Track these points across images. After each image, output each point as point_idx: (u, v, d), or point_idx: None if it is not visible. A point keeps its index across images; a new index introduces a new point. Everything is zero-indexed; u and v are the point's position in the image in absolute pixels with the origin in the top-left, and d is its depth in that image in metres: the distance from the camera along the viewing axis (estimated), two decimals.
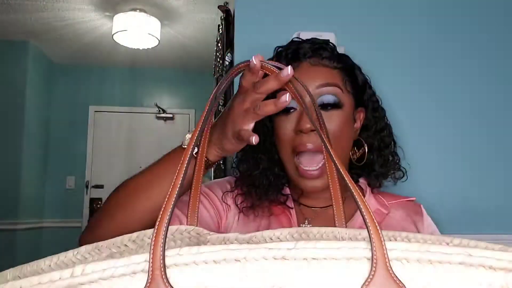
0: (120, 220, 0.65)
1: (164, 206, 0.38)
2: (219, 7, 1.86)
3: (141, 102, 4.43)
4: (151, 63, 4.28)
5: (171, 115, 4.39)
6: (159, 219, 0.37)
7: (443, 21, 1.26)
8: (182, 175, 0.41)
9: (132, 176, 0.69)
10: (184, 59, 4.08)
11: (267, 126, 0.82)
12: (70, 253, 0.45)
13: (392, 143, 0.85)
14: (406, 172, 0.85)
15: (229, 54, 1.63)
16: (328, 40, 0.83)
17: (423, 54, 1.25)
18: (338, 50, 1.21)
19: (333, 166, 0.44)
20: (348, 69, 0.80)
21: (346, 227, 0.56)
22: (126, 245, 0.49)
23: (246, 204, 0.80)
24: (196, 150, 0.55)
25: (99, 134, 4.30)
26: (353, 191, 0.38)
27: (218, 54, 2.01)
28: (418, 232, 0.78)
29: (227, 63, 1.64)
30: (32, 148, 3.80)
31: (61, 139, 4.18)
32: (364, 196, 0.79)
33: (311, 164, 0.72)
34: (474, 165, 1.22)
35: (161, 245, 0.35)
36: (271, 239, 0.53)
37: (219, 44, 1.99)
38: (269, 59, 0.80)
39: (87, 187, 4.18)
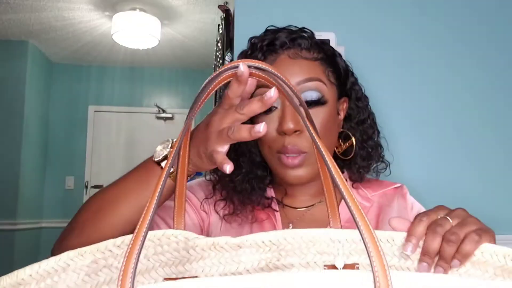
0: (88, 236, 0.62)
1: (135, 234, 0.34)
2: (219, 7, 1.86)
3: (141, 102, 4.42)
4: (151, 63, 4.27)
5: (171, 115, 4.38)
6: (128, 251, 0.33)
7: (443, 21, 1.26)
8: (155, 201, 0.37)
9: (101, 189, 0.66)
10: (184, 59, 4.07)
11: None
12: (52, 260, 0.44)
13: (376, 133, 0.81)
14: (389, 165, 0.82)
15: (229, 54, 1.63)
16: (304, 27, 0.78)
17: (423, 54, 1.24)
18: (338, 50, 1.21)
19: (328, 171, 0.43)
20: (329, 59, 0.75)
21: (341, 227, 0.55)
22: (110, 251, 0.48)
23: (228, 211, 0.76)
24: (171, 170, 0.52)
25: (99, 134, 4.29)
26: (352, 208, 0.36)
27: (218, 54, 2.00)
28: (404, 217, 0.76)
29: (227, 63, 1.63)
30: (32, 148, 3.80)
31: (61, 139, 4.17)
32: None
33: (293, 152, 0.69)
34: (467, 160, 1.21)
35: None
36: (263, 242, 0.52)
37: (219, 44, 1.98)
38: (244, 51, 0.77)
39: (86, 187, 4.17)
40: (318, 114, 0.70)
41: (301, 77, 0.70)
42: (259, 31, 0.82)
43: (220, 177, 0.76)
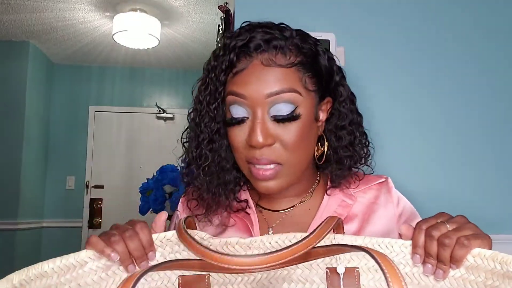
0: None
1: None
2: (219, 7, 1.87)
3: (141, 102, 4.43)
4: (151, 63, 4.28)
5: (171, 115, 4.39)
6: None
7: (443, 21, 1.26)
8: None
9: None
10: (184, 59, 4.08)
11: (219, 132, 0.73)
12: (72, 256, 0.50)
13: (356, 139, 0.76)
14: (373, 171, 0.79)
15: None
16: (282, 24, 0.72)
17: (423, 54, 1.25)
18: (338, 50, 1.22)
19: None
20: (309, 62, 0.69)
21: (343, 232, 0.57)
22: None
23: (200, 212, 0.75)
24: None
25: (99, 134, 4.30)
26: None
27: None
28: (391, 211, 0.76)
29: None
30: (32, 148, 3.80)
31: (61, 139, 4.18)
32: (325, 193, 0.76)
33: (264, 163, 0.67)
34: (467, 164, 1.22)
35: None
36: (270, 243, 0.55)
37: (219, 44, 1.98)
38: (216, 53, 0.72)
39: (87, 187, 4.18)
40: (290, 130, 0.66)
41: (273, 88, 0.65)
42: None
43: (192, 179, 0.74)
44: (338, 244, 0.48)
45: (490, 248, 0.51)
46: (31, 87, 3.77)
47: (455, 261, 0.50)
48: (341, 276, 0.53)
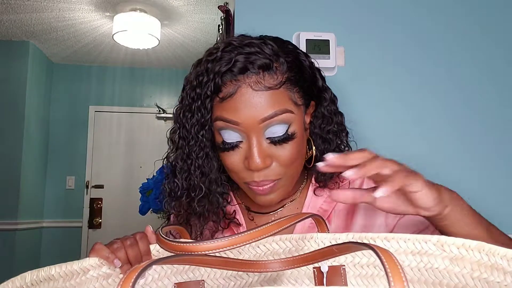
0: None
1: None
2: (219, 7, 1.87)
3: (141, 102, 4.43)
4: (151, 63, 4.28)
5: (171, 115, 4.37)
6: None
7: (443, 21, 1.26)
8: None
9: None
10: (184, 59, 4.08)
11: (208, 157, 0.72)
12: (76, 263, 0.52)
13: (339, 140, 0.76)
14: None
15: None
16: (262, 36, 0.71)
17: (423, 54, 1.25)
18: (338, 50, 1.22)
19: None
20: (294, 75, 0.68)
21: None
22: None
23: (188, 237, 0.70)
24: None
25: (99, 134, 4.30)
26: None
27: None
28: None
29: None
30: (32, 148, 3.80)
31: (61, 139, 4.18)
32: (312, 191, 0.77)
33: (264, 184, 0.67)
34: (471, 162, 1.22)
35: None
36: (259, 247, 0.57)
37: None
38: (191, 79, 0.72)
39: (87, 187, 4.18)
40: (286, 148, 0.66)
41: (266, 112, 0.64)
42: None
43: (177, 207, 0.75)
44: (332, 245, 0.47)
45: (424, 186, 0.51)
46: (31, 87, 3.77)
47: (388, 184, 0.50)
48: (325, 275, 0.53)
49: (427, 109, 1.23)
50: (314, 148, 0.74)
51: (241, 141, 0.67)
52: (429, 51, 1.25)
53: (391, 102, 1.23)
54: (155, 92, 4.44)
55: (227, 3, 1.86)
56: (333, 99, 0.78)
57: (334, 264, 0.53)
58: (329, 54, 1.16)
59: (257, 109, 0.64)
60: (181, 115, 0.72)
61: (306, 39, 1.16)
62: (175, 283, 0.55)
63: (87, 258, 0.54)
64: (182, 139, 0.72)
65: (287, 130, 0.66)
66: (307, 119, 0.74)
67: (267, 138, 0.66)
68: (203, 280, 0.56)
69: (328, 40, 1.17)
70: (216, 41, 2.10)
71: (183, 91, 0.74)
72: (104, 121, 4.33)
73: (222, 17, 1.86)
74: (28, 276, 0.48)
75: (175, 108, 0.75)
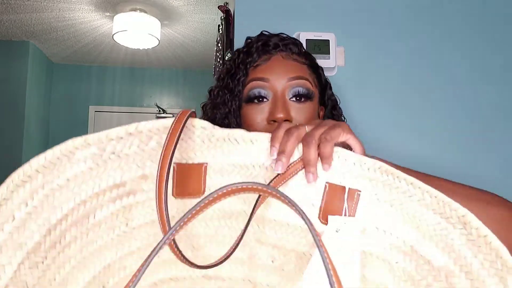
0: None
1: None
2: (219, 7, 1.87)
3: (141, 102, 4.43)
4: (151, 63, 4.28)
5: (171, 115, 4.38)
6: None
7: (442, 22, 1.26)
8: None
9: None
10: (184, 59, 4.08)
11: (234, 112, 0.80)
12: (57, 149, 0.44)
13: None
14: None
15: (229, 54, 1.64)
16: (295, 38, 0.85)
17: (423, 54, 1.25)
18: (338, 50, 1.22)
19: None
20: (314, 67, 0.83)
21: None
22: (121, 137, 0.46)
23: None
24: None
25: None
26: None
27: (218, 54, 2.01)
28: None
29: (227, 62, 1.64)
30: (33, 148, 3.80)
31: (62, 139, 4.10)
32: None
33: None
34: (464, 163, 1.22)
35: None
36: (268, 141, 0.52)
37: (219, 44, 1.99)
38: (239, 49, 0.84)
39: None
40: (306, 109, 0.75)
41: (292, 74, 0.76)
42: (259, 31, 0.84)
43: None
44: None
45: (351, 133, 0.51)
46: (31, 87, 3.77)
47: (323, 158, 0.48)
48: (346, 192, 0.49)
49: (426, 109, 1.23)
50: None
51: (268, 99, 0.76)
52: (429, 51, 1.25)
53: (391, 101, 1.23)
54: (155, 92, 4.44)
55: (227, 3, 1.86)
56: (339, 108, 0.89)
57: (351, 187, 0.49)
58: (329, 54, 1.17)
59: (285, 69, 0.76)
60: (222, 75, 0.84)
61: (306, 39, 1.16)
62: (175, 163, 0.50)
63: (70, 140, 0.45)
64: (219, 91, 0.83)
65: (310, 93, 0.76)
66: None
67: (291, 97, 0.75)
68: (207, 163, 0.51)
69: (328, 40, 1.17)
70: (216, 41, 2.11)
71: (229, 61, 0.86)
72: (104, 121, 4.33)
73: (222, 17, 1.86)
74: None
75: (219, 70, 0.86)
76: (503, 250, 0.38)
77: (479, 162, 1.22)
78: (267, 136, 0.51)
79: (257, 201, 0.48)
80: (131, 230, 0.51)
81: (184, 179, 0.51)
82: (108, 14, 3.27)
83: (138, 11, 3.21)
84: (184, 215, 0.31)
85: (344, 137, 0.50)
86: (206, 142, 0.50)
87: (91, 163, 0.45)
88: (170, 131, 0.45)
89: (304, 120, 0.75)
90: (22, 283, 0.41)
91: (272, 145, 0.50)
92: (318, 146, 0.48)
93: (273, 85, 0.76)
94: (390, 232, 0.47)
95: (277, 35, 0.83)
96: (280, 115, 0.72)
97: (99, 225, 0.48)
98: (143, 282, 0.54)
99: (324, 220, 0.49)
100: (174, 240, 0.45)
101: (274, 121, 0.73)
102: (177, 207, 0.52)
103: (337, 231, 0.46)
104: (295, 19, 1.22)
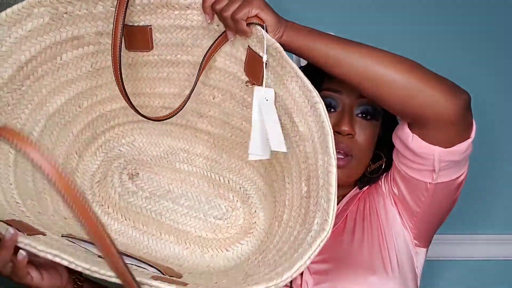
0: None
1: None
2: None
3: None
4: None
5: None
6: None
7: (444, 21, 1.26)
8: None
9: None
10: None
11: None
12: (15, 8, 0.57)
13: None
14: None
15: None
16: None
17: (423, 54, 1.24)
18: None
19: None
20: None
21: None
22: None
23: None
24: None
25: None
26: None
27: None
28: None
29: None
30: None
31: None
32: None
33: (343, 150, 0.72)
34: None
35: None
36: None
37: None
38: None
39: None
40: (370, 128, 0.74)
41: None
42: None
43: None
44: None
45: (260, 7, 0.58)
46: None
47: (240, 33, 0.58)
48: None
49: None
50: (384, 159, 0.77)
51: (335, 110, 0.74)
52: (429, 51, 1.24)
53: None
54: None
55: None
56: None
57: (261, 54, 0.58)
58: None
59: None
60: None
61: None
62: (125, 25, 0.59)
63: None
64: None
65: (378, 112, 0.75)
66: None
67: (358, 113, 0.74)
68: (151, 26, 0.63)
69: None
70: None
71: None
72: None
73: None
74: None
75: None
76: (328, 137, 0.51)
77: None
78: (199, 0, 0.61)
79: (207, 52, 0.62)
80: (96, 70, 0.65)
81: (133, 38, 0.63)
82: None
83: None
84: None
85: (253, 12, 0.57)
86: (147, 8, 0.61)
87: (48, 19, 0.57)
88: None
89: (367, 138, 0.74)
90: (4, 102, 0.58)
91: (205, 13, 0.60)
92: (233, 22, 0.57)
93: (344, 98, 0.74)
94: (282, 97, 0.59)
95: None
96: (345, 128, 0.71)
97: (67, 64, 0.62)
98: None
99: (248, 76, 0.62)
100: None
101: (339, 133, 0.72)
102: (132, 56, 0.66)
103: (266, 100, 0.57)
104: (295, 19, 1.22)
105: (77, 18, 0.59)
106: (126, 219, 0.72)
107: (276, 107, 0.57)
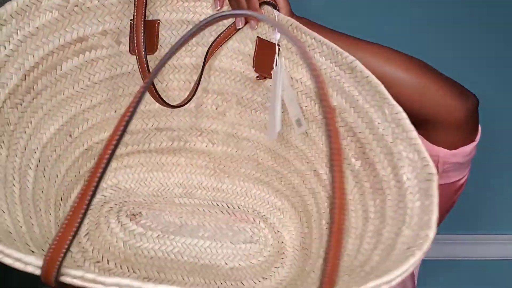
0: None
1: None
2: None
3: None
4: None
5: None
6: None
7: (444, 21, 1.26)
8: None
9: None
10: None
11: None
12: None
13: None
14: None
15: None
16: None
17: (423, 54, 1.25)
18: None
19: None
20: None
21: None
22: None
23: None
24: None
25: None
26: None
27: None
28: None
29: None
30: None
31: None
32: None
33: None
34: None
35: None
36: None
37: None
38: None
39: None
40: None
41: None
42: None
43: None
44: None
45: None
46: None
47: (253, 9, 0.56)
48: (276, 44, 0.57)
49: None
50: None
51: None
52: (429, 51, 1.24)
53: None
54: None
55: None
56: None
57: (272, 41, 0.58)
58: None
59: None
60: None
61: None
62: (130, 19, 0.57)
63: None
64: None
65: None
66: None
67: None
68: (159, 20, 0.59)
69: None
70: None
71: None
72: None
73: None
74: None
75: None
76: (380, 86, 0.47)
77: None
78: None
79: (207, 53, 0.58)
80: (93, 84, 0.59)
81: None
82: None
83: None
84: (171, 48, 0.33)
85: None
86: None
87: (57, 14, 0.52)
88: None
89: None
90: (6, 119, 0.49)
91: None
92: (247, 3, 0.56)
93: None
94: (301, 81, 0.57)
95: None
96: None
97: (65, 77, 0.56)
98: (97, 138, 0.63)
99: (258, 71, 0.60)
100: (153, 83, 0.56)
101: None
102: (133, 63, 0.59)
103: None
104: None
105: (86, 13, 0.55)
106: (135, 271, 0.57)
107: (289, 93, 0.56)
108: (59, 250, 0.29)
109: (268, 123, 0.59)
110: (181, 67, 0.63)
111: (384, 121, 0.47)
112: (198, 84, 0.59)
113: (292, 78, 0.57)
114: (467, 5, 1.24)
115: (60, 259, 0.29)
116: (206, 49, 0.59)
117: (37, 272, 0.30)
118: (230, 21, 0.59)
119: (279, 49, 0.56)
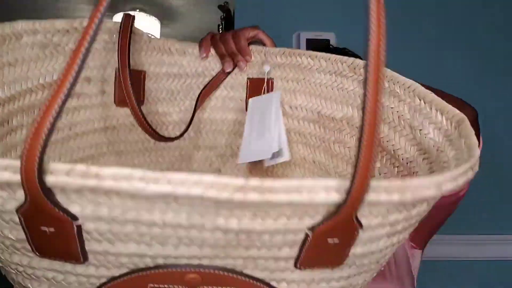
0: None
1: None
2: (219, 7, 1.86)
3: None
4: None
5: None
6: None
7: (444, 21, 1.26)
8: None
9: None
10: None
11: None
12: (7, 26, 0.47)
13: None
14: None
15: None
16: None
17: (423, 54, 1.25)
18: None
19: None
20: None
21: None
22: (67, 31, 0.51)
23: None
24: None
25: None
26: None
27: None
28: None
29: None
30: None
31: None
32: None
33: None
34: None
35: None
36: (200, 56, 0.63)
37: None
38: None
39: None
40: None
41: None
42: None
43: None
44: None
45: (258, 29, 0.59)
46: None
47: (240, 50, 0.57)
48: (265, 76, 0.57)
49: None
50: None
51: None
52: (429, 51, 1.25)
53: None
54: None
55: (227, 3, 1.86)
56: None
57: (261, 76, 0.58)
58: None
59: None
60: None
61: (306, 39, 1.16)
62: (115, 68, 0.54)
63: (20, 21, 0.48)
64: None
65: None
66: None
67: None
68: (145, 71, 0.58)
69: (328, 40, 1.17)
70: None
71: None
72: None
73: (222, 16, 1.86)
74: None
75: None
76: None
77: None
78: (197, 45, 0.59)
79: (196, 103, 0.58)
80: (74, 135, 0.53)
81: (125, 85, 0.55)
82: (107, 13, 3.26)
83: (137, 10, 3.20)
84: None
85: (252, 33, 0.58)
86: (144, 49, 0.55)
87: (38, 50, 0.49)
88: (121, 31, 0.52)
89: None
90: None
91: (201, 47, 0.60)
92: (234, 42, 0.57)
93: None
94: (301, 107, 0.56)
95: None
96: None
97: (14, 131, 0.49)
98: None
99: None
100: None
101: None
102: (118, 116, 0.56)
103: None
104: (295, 18, 1.21)
105: (69, 54, 0.50)
106: None
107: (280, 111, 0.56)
108: (36, 141, 0.23)
109: (241, 145, 0.58)
110: (170, 124, 0.61)
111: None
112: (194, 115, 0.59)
113: (290, 107, 0.57)
114: (466, 13, 1.24)
115: (39, 153, 0.22)
116: (194, 102, 0.59)
117: (17, 177, 0.23)
118: (218, 69, 0.59)
119: (269, 80, 0.57)
